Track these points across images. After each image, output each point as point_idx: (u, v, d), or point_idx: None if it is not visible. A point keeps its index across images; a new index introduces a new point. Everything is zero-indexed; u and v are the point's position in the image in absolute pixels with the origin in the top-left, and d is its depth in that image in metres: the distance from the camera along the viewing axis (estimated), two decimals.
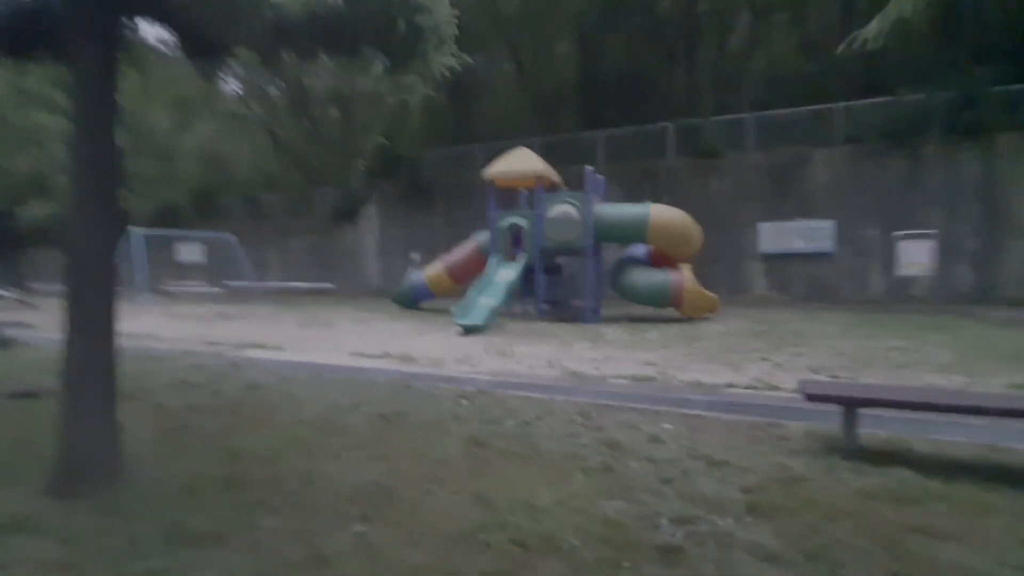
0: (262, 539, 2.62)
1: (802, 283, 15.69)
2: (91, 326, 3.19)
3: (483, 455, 3.72)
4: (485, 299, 11.20)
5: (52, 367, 3.67)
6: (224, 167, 27.13)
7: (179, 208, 24.98)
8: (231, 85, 24.22)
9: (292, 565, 2.41)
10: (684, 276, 11.61)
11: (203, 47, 4.11)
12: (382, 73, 4.79)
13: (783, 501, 2.95)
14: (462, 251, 13.94)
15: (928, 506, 2.90)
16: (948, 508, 2.87)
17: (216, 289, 22.55)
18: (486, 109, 23.81)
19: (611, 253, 13.36)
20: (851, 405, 3.65)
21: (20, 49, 3.99)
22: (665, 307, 11.86)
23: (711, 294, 11.76)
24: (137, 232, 18.75)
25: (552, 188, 12.97)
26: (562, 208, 12.02)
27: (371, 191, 22.10)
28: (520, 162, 12.82)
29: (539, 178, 12.43)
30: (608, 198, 13.71)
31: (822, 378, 5.89)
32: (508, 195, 14.12)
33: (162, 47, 11.40)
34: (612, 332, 10.13)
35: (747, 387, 5.72)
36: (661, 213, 11.81)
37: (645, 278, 11.88)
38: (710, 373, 6.38)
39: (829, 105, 15.72)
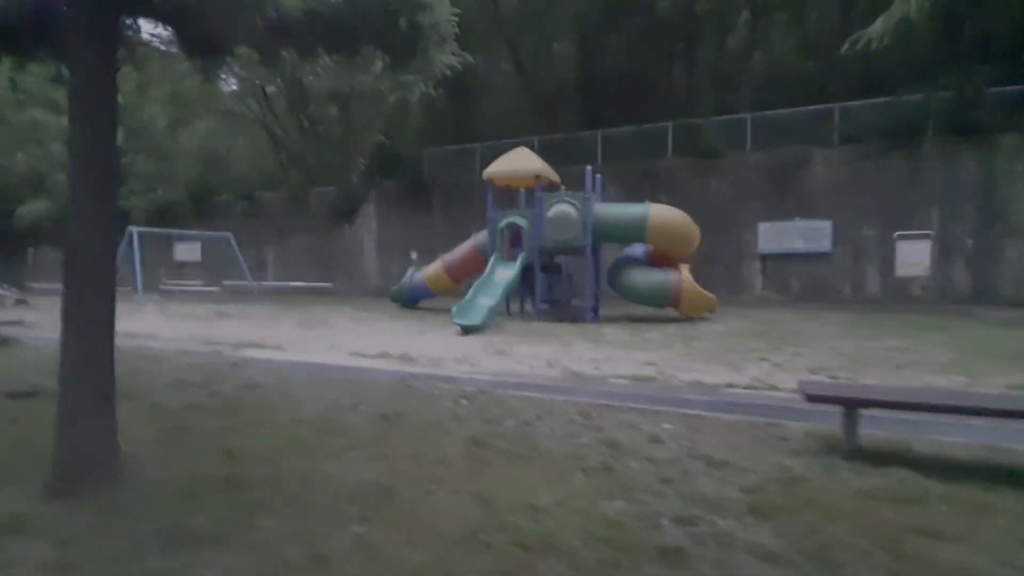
0: (262, 540, 2.61)
1: (801, 283, 15.71)
2: (90, 325, 3.18)
3: (483, 455, 3.71)
4: (484, 299, 11.20)
5: (50, 367, 3.66)
6: (222, 166, 27.10)
7: (177, 207, 24.94)
8: (229, 83, 24.17)
9: (292, 566, 2.40)
10: (683, 276, 11.62)
11: (203, 46, 4.10)
12: (383, 71, 4.78)
13: (783, 501, 2.95)
14: (461, 250, 13.94)
15: (929, 507, 2.90)
16: (949, 509, 2.87)
17: (214, 288, 22.53)
18: (486, 108, 23.78)
19: (610, 253, 13.37)
20: (851, 406, 3.65)
21: (20, 48, 3.98)
22: (664, 307, 11.87)
23: (709, 294, 11.77)
24: (135, 231, 18.71)
25: (551, 188, 12.97)
26: (561, 208, 12.02)
27: (370, 190, 22.08)
28: (519, 161, 12.82)
29: (538, 178, 12.43)
30: (607, 198, 13.71)
31: (822, 379, 5.90)
32: (507, 194, 14.13)
33: (161, 45, 11.36)
34: (611, 332, 10.13)
35: (747, 387, 5.72)
36: (660, 213, 11.81)
37: (644, 278, 11.88)
38: (710, 373, 6.38)
39: (828, 105, 15.75)
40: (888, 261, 14.63)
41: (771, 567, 2.38)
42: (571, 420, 4.56)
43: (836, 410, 3.78)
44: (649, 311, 12.41)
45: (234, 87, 23.93)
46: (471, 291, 11.51)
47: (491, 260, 12.47)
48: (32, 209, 24.98)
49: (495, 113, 23.73)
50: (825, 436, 3.96)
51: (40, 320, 11.36)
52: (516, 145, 14.42)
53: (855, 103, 15.36)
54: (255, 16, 3.59)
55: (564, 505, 2.92)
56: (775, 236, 15.78)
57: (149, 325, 11.29)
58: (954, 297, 13.79)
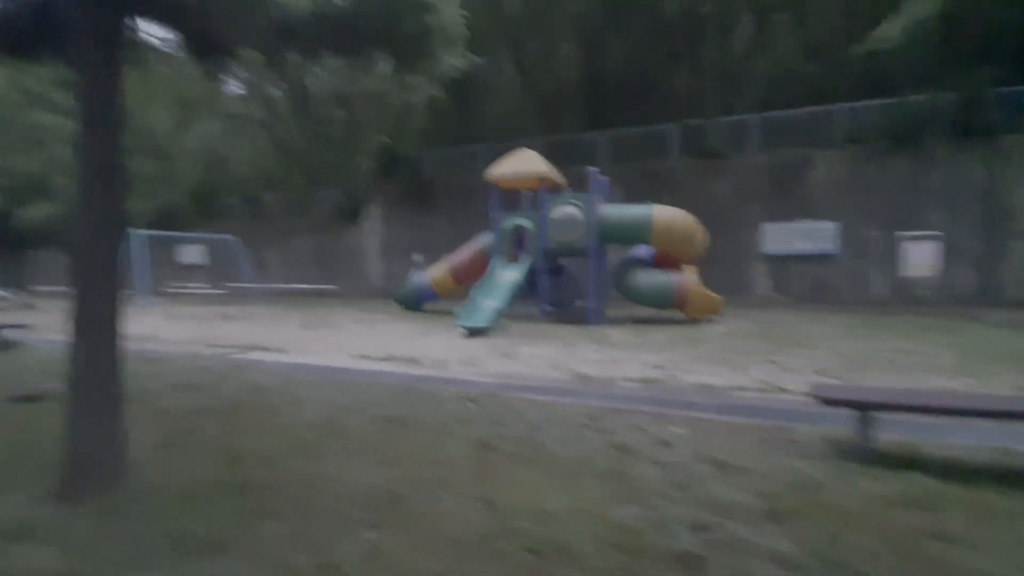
0: (268, 545, 2.58)
1: (805, 284, 15.65)
2: (96, 328, 3.15)
3: (491, 459, 3.67)
4: (489, 301, 11.15)
5: (53, 370, 3.64)
6: (225, 167, 27.09)
7: (180, 209, 24.94)
8: (233, 85, 24.19)
9: (301, 573, 2.37)
10: (688, 277, 11.56)
11: (207, 47, 4.08)
12: (390, 73, 4.76)
13: (800, 507, 2.90)
14: (466, 252, 13.90)
15: (946, 511, 2.85)
16: (966, 513, 2.83)
17: (218, 290, 22.52)
18: (489, 109, 23.76)
19: (615, 254, 13.33)
20: (866, 409, 3.60)
21: (23, 49, 3.96)
22: (669, 308, 11.82)
23: (715, 295, 11.72)
24: (139, 233, 18.71)
25: (555, 189, 12.93)
26: (565, 209, 11.98)
27: (373, 191, 22.05)
28: (523, 163, 12.78)
29: (542, 179, 12.39)
30: (611, 199, 13.67)
31: (833, 381, 5.85)
32: (511, 196, 14.08)
33: (165, 47, 11.36)
34: (616, 334, 10.08)
35: (755, 390, 5.67)
36: (664, 214, 11.77)
37: (649, 279, 11.83)
38: (717, 375, 6.33)
39: (832, 106, 15.69)
40: (892, 262, 14.56)
41: (790, 574, 2.34)
42: (578, 423, 4.52)
43: (846, 413, 3.73)
44: (652, 312, 12.36)
45: (238, 89, 23.94)
46: (475, 293, 11.48)
47: (492, 261, 12.44)
48: (34, 211, 24.99)
49: (498, 114, 23.71)
50: (837, 439, 3.92)
51: (43, 322, 11.34)
52: (519, 146, 14.37)
53: (859, 104, 15.31)
54: (259, 17, 3.57)
55: (575, 510, 2.88)
56: (779, 237, 15.73)
57: (153, 328, 11.27)
58: (959, 298, 13.72)
